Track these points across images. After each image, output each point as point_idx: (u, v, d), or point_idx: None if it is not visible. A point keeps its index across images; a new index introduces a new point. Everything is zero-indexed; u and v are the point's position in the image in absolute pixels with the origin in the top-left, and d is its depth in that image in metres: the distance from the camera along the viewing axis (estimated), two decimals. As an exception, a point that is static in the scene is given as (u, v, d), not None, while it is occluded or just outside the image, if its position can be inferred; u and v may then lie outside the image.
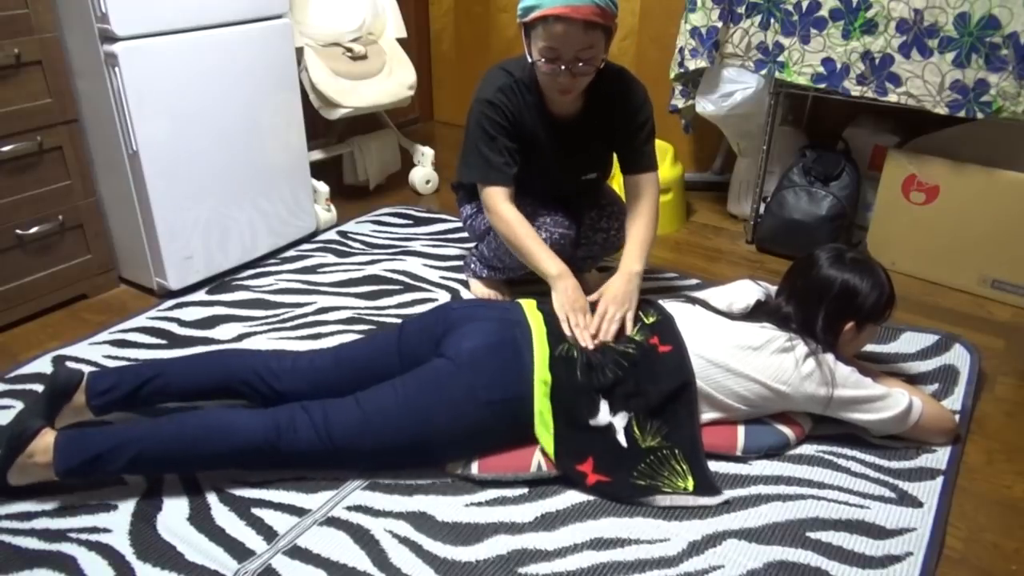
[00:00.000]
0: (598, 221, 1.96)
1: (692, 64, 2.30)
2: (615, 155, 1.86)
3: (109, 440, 1.32)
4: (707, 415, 1.49)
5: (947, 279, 2.21)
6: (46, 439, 1.33)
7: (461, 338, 1.44)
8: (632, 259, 1.69)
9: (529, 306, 1.56)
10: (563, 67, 1.58)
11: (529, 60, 1.63)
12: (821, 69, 2.14)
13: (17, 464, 1.33)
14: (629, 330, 1.52)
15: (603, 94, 1.73)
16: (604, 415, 1.42)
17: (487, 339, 1.43)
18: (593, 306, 1.61)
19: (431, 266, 2.28)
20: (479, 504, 1.39)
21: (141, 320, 1.99)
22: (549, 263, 1.67)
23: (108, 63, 1.85)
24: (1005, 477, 1.49)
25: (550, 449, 1.41)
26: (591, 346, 1.47)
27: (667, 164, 2.53)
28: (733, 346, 1.47)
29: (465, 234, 2.37)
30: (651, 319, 1.56)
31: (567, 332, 1.50)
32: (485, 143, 1.71)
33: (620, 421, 1.42)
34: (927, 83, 2.01)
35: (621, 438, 1.43)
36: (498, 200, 1.72)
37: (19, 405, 1.63)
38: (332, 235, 2.50)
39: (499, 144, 1.71)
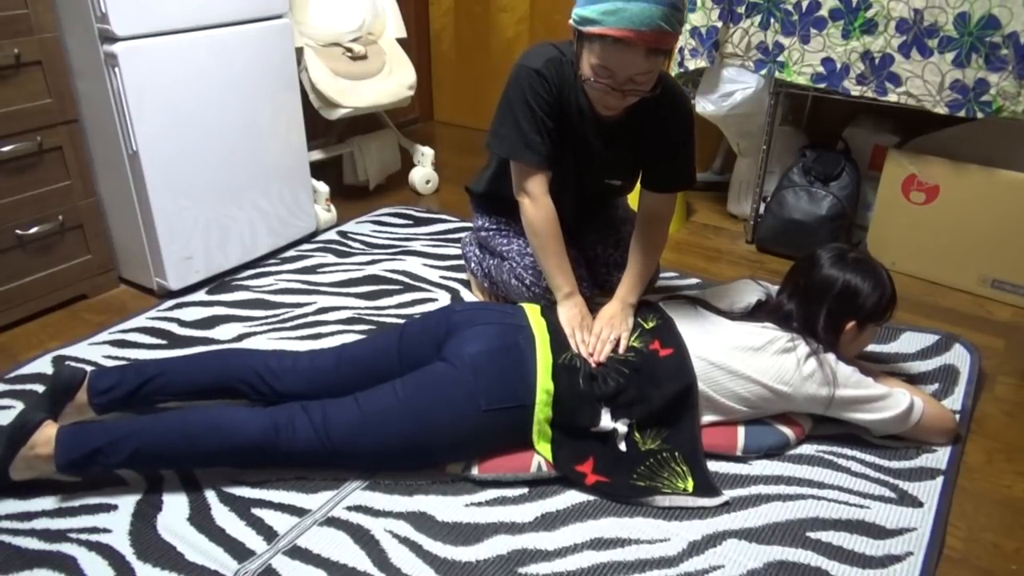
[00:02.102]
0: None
1: (692, 64, 2.30)
2: (642, 170, 1.74)
3: (110, 434, 1.32)
4: (707, 417, 1.49)
5: (947, 279, 2.21)
6: (48, 431, 1.33)
7: (463, 342, 1.44)
8: (628, 291, 1.65)
9: (532, 311, 1.56)
10: (614, 88, 1.45)
11: (579, 74, 1.49)
12: (821, 69, 2.14)
13: (20, 457, 1.33)
14: (622, 349, 1.51)
15: (648, 106, 1.58)
16: (606, 423, 1.42)
17: (489, 344, 1.43)
18: None
19: (431, 266, 2.28)
20: (479, 504, 1.39)
21: (141, 320, 1.99)
22: (564, 281, 1.62)
23: (108, 63, 1.85)
24: (1005, 477, 1.49)
25: (549, 457, 1.41)
26: (592, 363, 1.46)
27: (667, 164, 2.53)
28: (734, 347, 1.47)
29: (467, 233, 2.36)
30: (651, 323, 1.56)
31: (574, 348, 1.49)
32: (525, 116, 1.57)
33: (621, 428, 1.42)
34: (927, 83, 2.01)
35: (622, 445, 1.43)
36: (539, 188, 1.61)
37: (19, 405, 1.63)
38: (332, 235, 2.50)
39: (538, 119, 1.57)
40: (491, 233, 1.93)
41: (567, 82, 1.58)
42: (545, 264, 1.65)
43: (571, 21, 1.45)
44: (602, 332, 1.53)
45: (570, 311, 1.58)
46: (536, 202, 1.62)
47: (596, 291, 1.90)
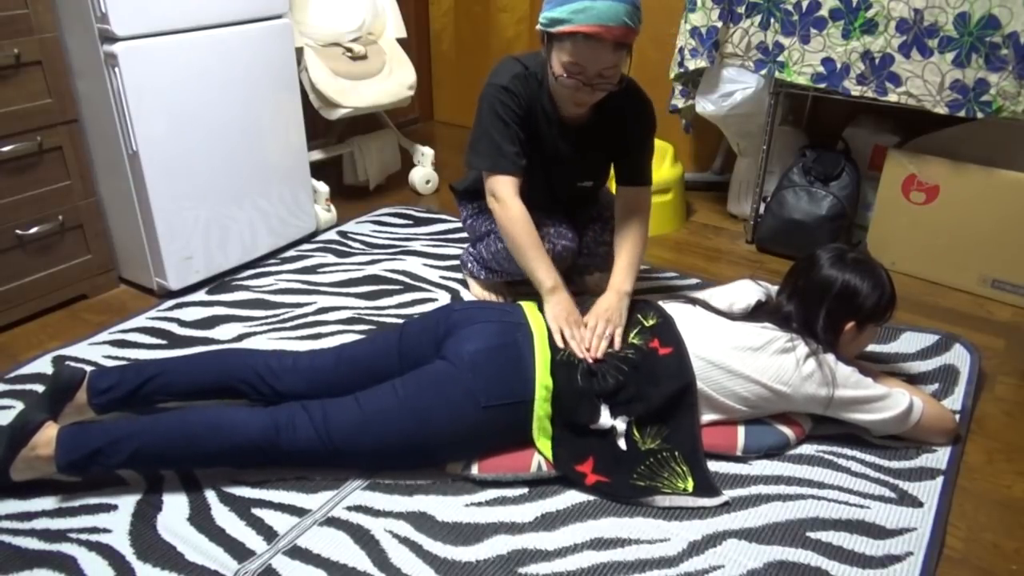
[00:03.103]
0: (601, 234, 1.93)
1: (692, 64, 2.30)
2: (613, 166, 1.83)
3: (110, 434, 1.32)
4: (707, 416, 1.49)
5: (947, 279, 2.21)
6: (48, 432, 1.33)
7: (462, 340, 1.44)
8: (622, 279, 1.66)
9: (531, 308, 1.56)
10: (584, 83, 1.55)
11: (551, 72, 1.59)
12: (821, 69, 2.14)
13: (20, 458, 1.33)
14: (617, 345, 1.51)
15: (613, 104, 1.69)
16: (605, 420, 1.42)
17: (488, 342, 1.43)
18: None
19: (431, 266, 2.28)
20: (479, 504, 1.39)
21: (141, 320, 1.99)
22: (545, 275, 1.62)
23: (108, 63, 1.85)
24: (1005, 477, 1.49)
25: (549, 455, 1.41)
26: (589, 359, 1.46)
27: (667, 164, 2.53)
28: (734, 347, 1.47)
29: (465, 234, 2.36)
30: (651, 322, 1.56)
31: (559, 343, 1.48)
32: (498, 130, 1.66)
33: (620, 425, 1.42)
34: (927, 83, 2.01)
35: (621, 443, 1.43)
36: (507, 191, 1.66)
37: (19, 405, 1.63)
38: (332, 235, 2.50)
39: (511, 132, 1.66)
40: (475, 217, 1.98)
41: (533, 94, 1.68)
42: (524, 261, 1.67)
43: (539, 26, 1.56)
44: (597, 326, 1.52)
45: (555, 308, 1.56)
46: (504, 204, 1.66)
47: (576, 249, 1.89)
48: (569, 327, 1.51)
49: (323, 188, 2.53)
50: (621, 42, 1.50)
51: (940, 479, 1.45)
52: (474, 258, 2.05)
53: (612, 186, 2.03)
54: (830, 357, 1.46)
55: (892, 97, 2.07)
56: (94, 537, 1.31)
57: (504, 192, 1.66)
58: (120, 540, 1.30)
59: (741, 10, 2.21)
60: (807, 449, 1.53)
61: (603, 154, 1.81)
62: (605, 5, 1.45)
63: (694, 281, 2.21)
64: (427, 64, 3.66)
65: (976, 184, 2.08)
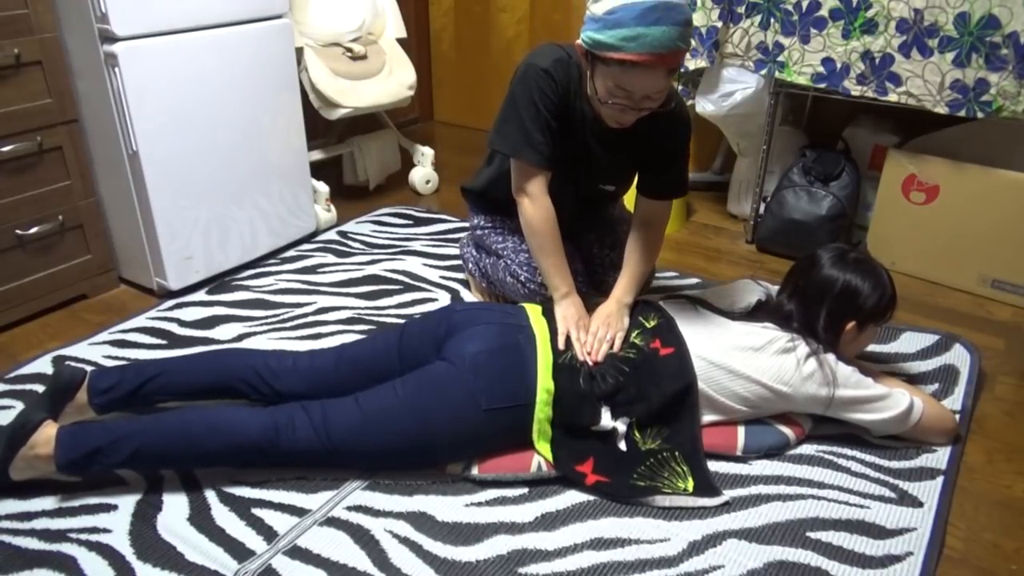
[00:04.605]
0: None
1: (692, 64, 2.30)
2: (638, 176, 1.75)
3: (110, 434, 1.33)
4: (707, 417, 1.49)
5: (947, 279, 2.21)
6: (48, 431, 1.34)
7: (464, 341, 1.44)
8: (624, 291, 1.64)
9: (533, 311, 1.56)
10: (630, 107, 1.46)
11: (591, 88, 1.50)
12: (821, 69, 2.14)
13: (19, 457, 1.33)
14: (618, 347, 1.50)
15: (651, 115, 1.56)
16: (606, 421, 1.42)
17: (490, 344, 1.43)
18: None
19: (431, 266, 2.28)
20: (479, 504, 1.39)
21: (141, 320, 1.99)
22: (561, 281, 1.61)
23: (108, 63, 1.85)
24: (1005, 477, 1.49)
25: (549, 457, 1.41)
26: (590, 362, 1.46)
27: (667, 164, 2.53)
28: (734, 347, 1.47)
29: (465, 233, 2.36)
30: (652, 322, 1.55)
31: (561, 344, 1.48)
32: (529, 115, 1.57)
33: (621, 426, 1.42)
34: (927, 83, 2.01)
35: (621, 444, 1.43)
36: (539, 188, 1.60)
37: (19, 405, 1.63)
38: (332, 235, 2.50)
39: (542, 119, 1.57)
40: (486, 231, 1.94)
41: (573, 84, 1.59)
42: (543, 264, 1.65)
43: (581, 42, 1.44)
44: (599, 331, 1.52)
45: (567, 311, 1.57)
46: (535, 201, 1.62)
47: (591, 291, 1.90)
48: (576, 330, 1.51)
49: (323, 188, 2.53)
50: (673, 67, 1.40)
51: (940, 479, 1.45)
52: (475, 263, 2.03)
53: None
54: (830, 357, 1.46)
55: (892, 97, 2.07)
56: (94, 537, 1.31)
57: (536, 189, 1.61)
58: (120, 540, 1.30)
59: (741, 10, 2.21)
60: (807, 449, 1.53)
61: (632, 161, 1.72)
62: (660, 31, 1.33)
63: (694, 281, 2.21)
64: (427, 64, 3.66)
65: (976, 184, 2.08)
